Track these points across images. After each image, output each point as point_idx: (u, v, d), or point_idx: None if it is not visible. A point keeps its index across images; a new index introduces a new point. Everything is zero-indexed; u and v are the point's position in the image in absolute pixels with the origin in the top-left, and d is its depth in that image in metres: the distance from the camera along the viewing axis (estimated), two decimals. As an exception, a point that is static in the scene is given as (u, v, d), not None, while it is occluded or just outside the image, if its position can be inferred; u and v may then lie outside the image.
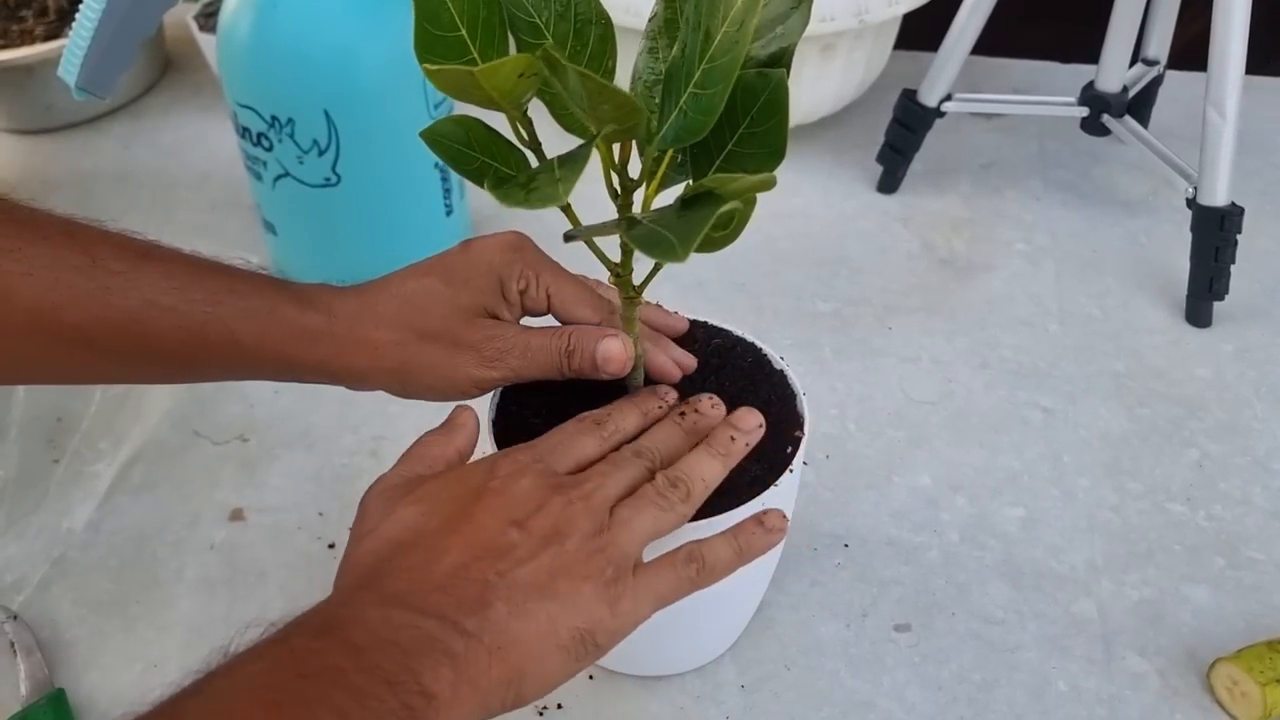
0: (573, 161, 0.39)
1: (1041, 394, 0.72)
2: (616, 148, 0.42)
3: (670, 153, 0.43)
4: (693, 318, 0.58)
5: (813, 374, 0.74)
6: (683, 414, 0.49)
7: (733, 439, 0.47)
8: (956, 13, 0.84)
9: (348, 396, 0.72)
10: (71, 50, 0.65)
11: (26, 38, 1.06)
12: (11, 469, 0.69)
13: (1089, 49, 0.87)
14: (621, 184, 0.43)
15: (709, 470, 0.46)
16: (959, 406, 0.72)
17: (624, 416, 0.48)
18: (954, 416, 0.71)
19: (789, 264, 0.84)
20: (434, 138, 0.43)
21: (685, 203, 0.40)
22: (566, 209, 0.45)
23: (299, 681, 0.35)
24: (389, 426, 0.71)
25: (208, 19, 1.03)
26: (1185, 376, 0.74)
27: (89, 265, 0.46)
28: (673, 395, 0.50)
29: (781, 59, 0.42)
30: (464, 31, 0.42)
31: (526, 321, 0.51)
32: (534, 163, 0.44)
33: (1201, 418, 0.71)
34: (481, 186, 0.42)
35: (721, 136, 0.42)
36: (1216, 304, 0.77)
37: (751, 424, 0.48)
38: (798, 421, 0.52)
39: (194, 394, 0.74)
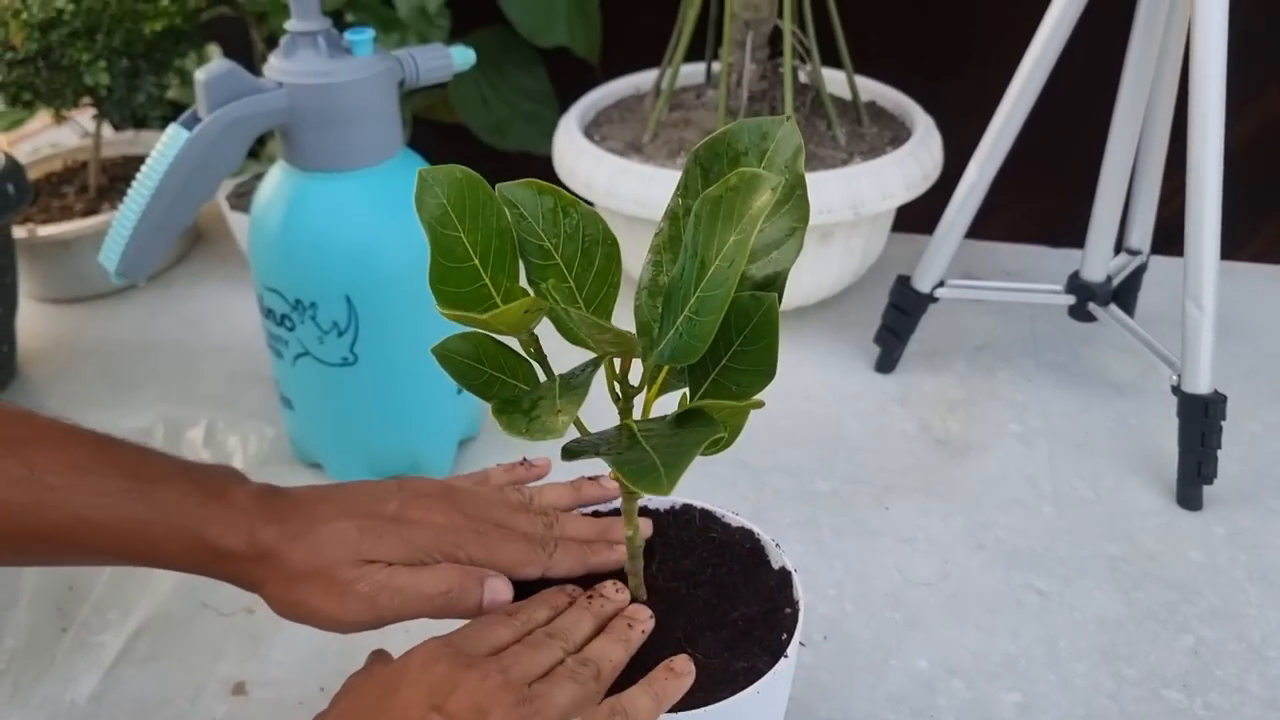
0: (574, 392, 0.42)
1: (1036, 576, 0.73)
2: (619, 361, 0.45)
3: (669, 365, 0.46)
4: (692, 504, 0.60)
5: (811, 553, 0.75)
6: (590, 599, 0.52)
7: (630, 626, 0.50)
8: (948, 199, 0.88)
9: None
10: (114, 238, 0.69)
11: (66, 213, 1.12)
12: (21, 638, 0.70)
13: (1076, 222, 0.91)
14: (623, 391, 0.46)
15: (615, 653, 0.49)
16: (955, 588, 0.73)
17: (534, 609, 0.51)
18: (950, 598, 0.72)
19: (789, 442, 0.87)
20: (444, 354, 0.46)
21: (680, 418, 0.43)
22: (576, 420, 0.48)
23: None
24: (393, 600, 0.72)
25: (239, 198, 1.09)
26: (1178, 560, 0.75)
27: (26, 478, 0.48)
28: (579, 591, 0.53)
29: (776, 281, 0.45)
30: (476, 261, 0.45)
31: None
32: (541, 376, 0.47)
33: (1195, 602, 0.71)
34: (487, 401, 0.45)
35: (717, 352, 0.44)
36: (1207, 487, 0.79)
37: (643, 616, 0.51)
38: (793, 605, 0.54)
39: (204, 564, 0.75)
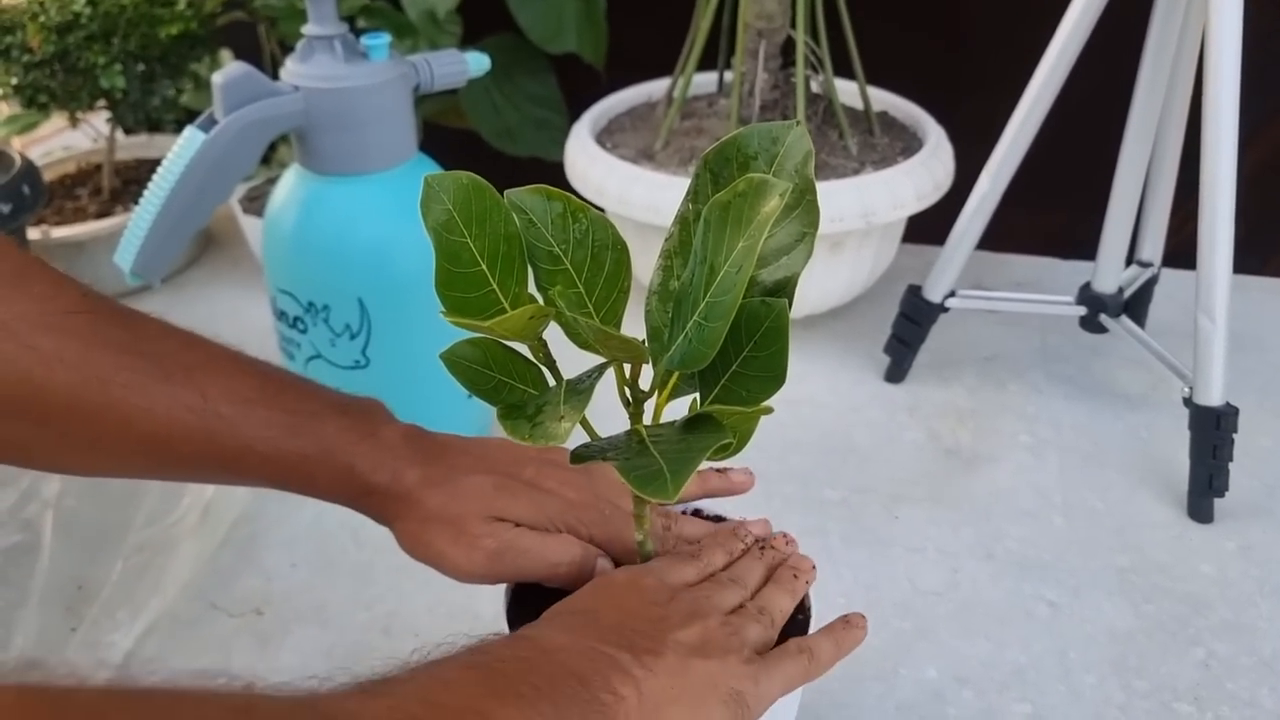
0: (578, 397, 0.42)
1: (1047, 587, 0.73)
2: (629, 366, 0.45)
3: (679, 369, 0.46)
4: (703, 509, 0.60)
5: (820, 561, 0.74)
6: (762, 549, 0.56)
7: (795, 577, 0.54)
8: (959, 211, 0.88)
9: (363, 573, 0.74)
10: (129, 238, 0.70)
11: (80, 215, 1.12)
12: (30, 637, 0.70)
13: (1088, 237, 0.91)
14: (633, 396, 0.46)
15: (784, 602, 0.53)
16: (965, 598, 0.73)
17: (712, 554, 0.54)
18: (960, 608, 0.72)
19: (798, 451, 0.87)
20: (452, 359, 0.46)
21: (689, 423, 0.43)
22: (584, 422, 0.48)
23: (499, 665, 0.41)
24: (402, 603, 0.72)
25: (251, 202, 1.10)
26: (1189, 573, 0.74)
27: (200, 406, 0.51)
28: (750, 535, 0.57)
29: (786, 287, 0.45)
30: (484, 267, 0.46)
31: None
32: (550, 380, 0.47)
33: (1206, 615, 0.71)
34: (495, 406, 0.45)
35: (727, 357, 0.44)
36: (1218, 500, 0.78)
37: (807, 566, 0.56)
38: (805, 611, 0.54)
39: (214, 566, 0.75)
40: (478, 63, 0.76)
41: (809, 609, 0.54)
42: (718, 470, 0.61)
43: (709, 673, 0.45)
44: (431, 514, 0.53)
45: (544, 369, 0.47)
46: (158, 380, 0.50)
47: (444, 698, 0.39)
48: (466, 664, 0.42)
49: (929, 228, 1.01)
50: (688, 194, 0.47)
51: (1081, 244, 1.01)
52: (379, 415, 0.56)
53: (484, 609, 0.71)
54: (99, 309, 0.51)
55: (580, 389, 0.44)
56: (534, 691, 0.40)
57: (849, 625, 0.52)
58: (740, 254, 0.39)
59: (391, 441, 0.54)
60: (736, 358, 0.45)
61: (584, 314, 0.46)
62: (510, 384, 0.47)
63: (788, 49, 0.98)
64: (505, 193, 0.47)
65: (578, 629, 0.46)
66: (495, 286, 0.46)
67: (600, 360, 0.46)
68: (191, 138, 0.69)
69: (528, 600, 0.54)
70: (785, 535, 0.57)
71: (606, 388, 0.47)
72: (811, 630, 0.53)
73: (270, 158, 1.15)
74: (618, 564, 0.54)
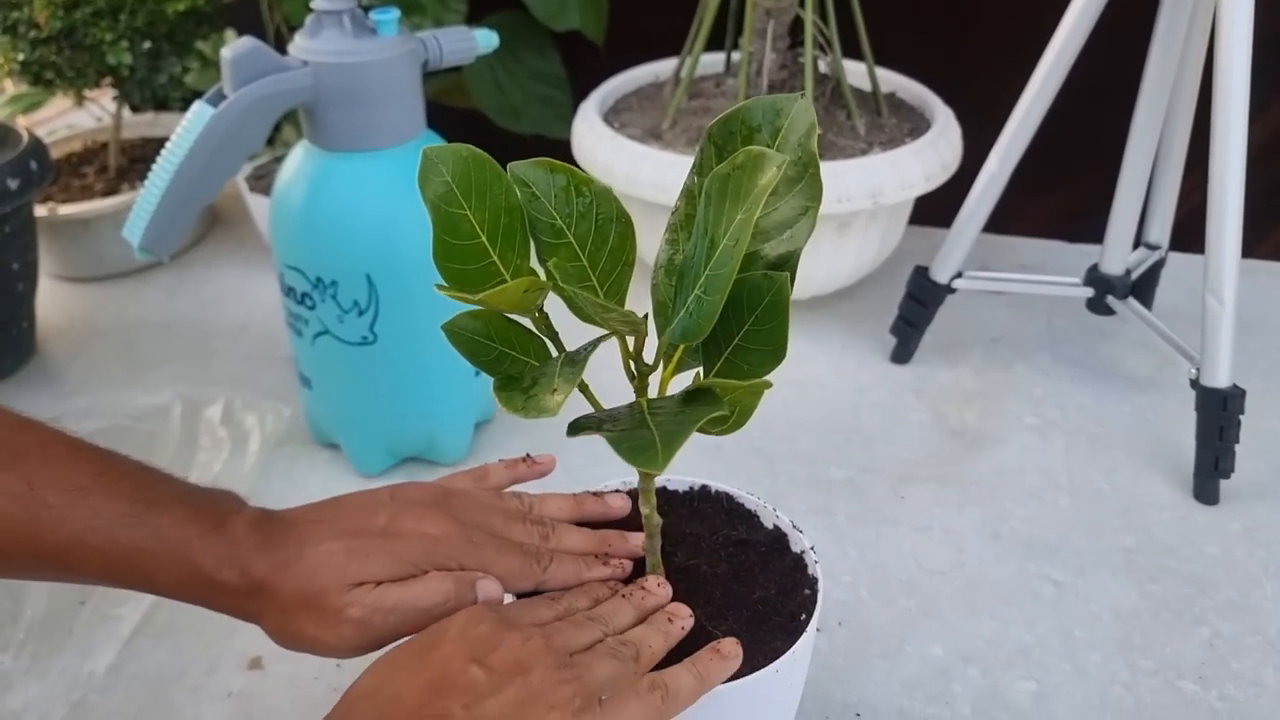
0: (572, 369, 0.42)
1: (1052, 567, 0.73)
2: (632, 340, 0.45)
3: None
4: (710, 485, 0.60)
5: (826, 541, 0.76)
6: (631, 592, 0.52)
7: (670, 620, 0.50)
8: (967, 195, 0.88)
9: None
10: (137, 213, 0.70)
11: (86, 192, 1.12)
12: (39, 610, 0.70)
13: (1095, 220, 0.91)
14: (637, 369, 0.46)
15: (655, 642, 0.48)
16: (970, 577, 0.73)
17: (575, 597, 0.52)
18: (965, 587, 0.72)
19: (804, 431, 0.87)
20: (454, 330, 0.45)
21: (688, 396, 0.43)
22: (584, 389, 0.48)
23: None
24: (409, 579, 0.72)
25: (258, 180, 1.10)
26: (1195, 553, 0.75)
27: (26, 494, 0.48)
28: (613, 587, 0.53)
29: (789, 261, 0.45)
30: (484, 239, 0.45)
31: None
32: (553, 351, 0.47)
33: (1212, 595, 0.71)
34: (496, 377, 0.45)
35: (729, 331, 0.44)
36: (1224, 482, 0.79)
37: (684, 614, 0.51)
38: (811, 586, 0.54)
39: (221, 540, 0.75)
40: (486, 39, 0.76)
41: (815, 583, 0.54)
42: (594, 495, 0.58)
43: None
44: (290, 601, 0.49)
45: (546, 340, 0.47)
46: None
47: None
48: None
49: (935, 210, 1.01)
50: (693, 166, 0.47)
51: (1088, 228, 1.01)
52: (226, 505, 0.53)
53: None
54: None
55: (576, 360, 0.44)
56: None
57: (719, 655, 0.48)
58: (737, 227, 0.39)
59: (238, 533, 0.51)
60: (739, 331, 0.45)
61: (583, 286, 0.46)
62: (512, 355, 0.47)
63: (796, 29, 0.98)
64: (508, 165, 0.47)
65: None
66: (496, 259, 0.46)
67: (601, 333, 0.46)
68: (200, 112, 0.69)
69: None
70: (658, 579, 0.53)
71: (614, 364, 0.47)
72: (813, 623, 0.52)
73: (275, 138, 1.14)
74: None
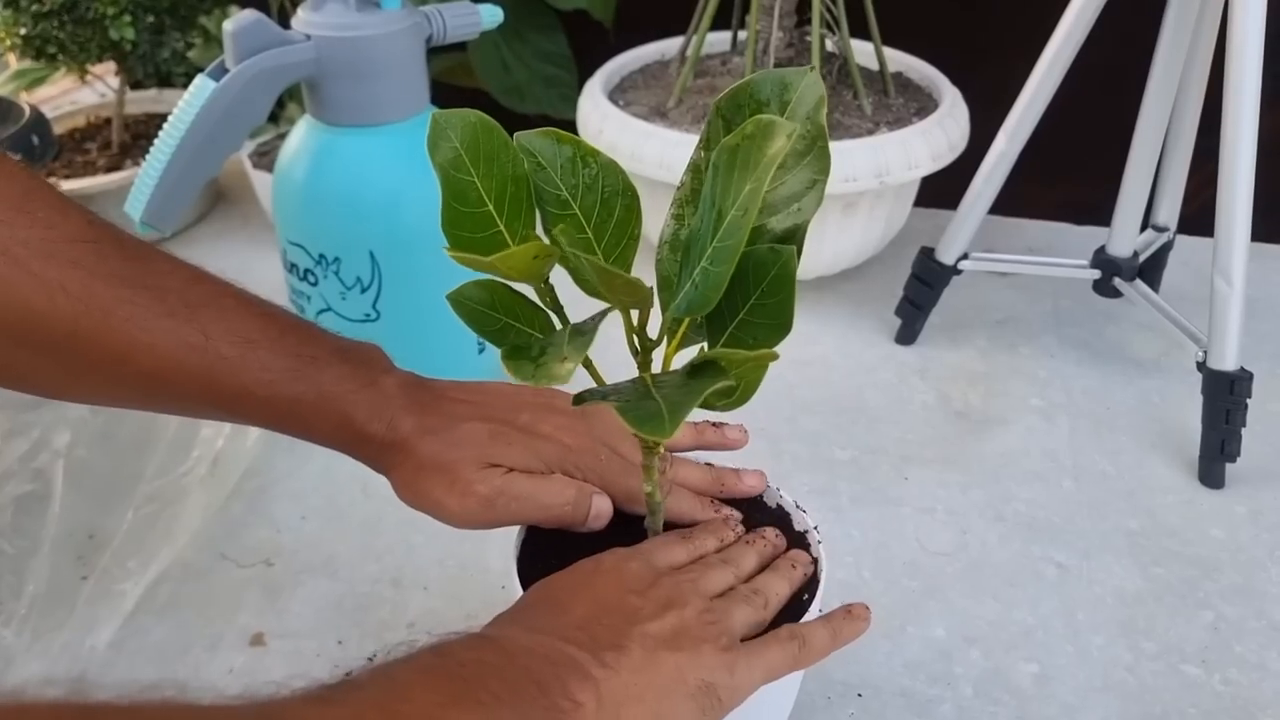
0: (581, 338, 0.42)
1: (1056, 549, 0.73)
2: (636, 312, 0.45)
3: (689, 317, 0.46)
4: (713, 464, 0.60)
5: (829, 521, 0.75)
6: (752, 540, 0.55)
7: (793, 567, 0.53)
8: (974, 175, 0.88)
9: (372, 525, 0.75)
10: (139, 187, 0.69)
11: (89, 168, 1.12)
12: (41, 584, 0.70)
13: (1102, 209, 0.91)
14: (641, 344, 0.45)
15: (781, 588, 0.51)
16: (973, 558, 0.73)
17: (704, 539, 0.54)
18: (968, 568, 0.72)
19: (808, 411, 0.86)
20: (459, 300, 0.46)
21: (693, 369, 0.43)
22: (588, 364, 0.48)
23: (458, 670, 0.41)
24: (411, 557, 0.72)
25: (262, 156, 1.09)
26: (1199, 537, 0.74)
27: (202, 345, 0.51)
28: (739, 524, 0.56)
29: (796, 234, 0.45)
30: (491, 207, 0.45)
31: None
32: (557, 324, 0.46)
33: (1216, 579, 0.71)
34: (500, 348, 0.45)
35: (734, 304, 0.44)
36: (1229, 466, 0.78)
37: (805, 559, 0.54)
38: (814, 567, 0.54)
39: (223, 516, 0.75)
40: (490, 15, 0.75)
41: (818, 563, 0.54)
42: (714, 425, 0.60)
43: (677, 665, 0.44)
44: (426, 462, 0.53)
45: (551, 314, 0.47)
46: (160, 316, 0.50)
47: (401, 705, 0.39)
48: (425, 668, 0.41)
49: (942, 191, 1.00)
50: (700, 141, 0.47)
51: (1094, 213, 1.01)
52: (379, 363, 0.56)
53: (493, 562, 0.71)
54: (104, 238, 0.51)
55: (584, 331, 0.44)
56: (493, 699, 0.40)
57: (850, 615, 0.51)
58: (746, 196, 0.39)
59: (389, 390, 0.54)
60: (744, 305, 0.44)
61: (583, 241, 0.46)
62: (516, 327, 0.47)
63: (803, 7, 0.97)
64: (515, 135, 0.46)
65: (542, 626, 0.45)
66: (502, 228, 0.46)
67: (605, 307, 0.45)
68: (202, 85, 0.68)
69: (536, 553, 0.54)
70: (775, 530, 0.56)
71: (618, 340, 0.46)
72: (817, 601, 0.52)
73: (279, 114, 1.14)
74: (615, 508, 0.54)
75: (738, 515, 0.56)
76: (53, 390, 0.53)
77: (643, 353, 0.46)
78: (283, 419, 0.54)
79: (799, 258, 0.44)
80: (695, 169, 0.47)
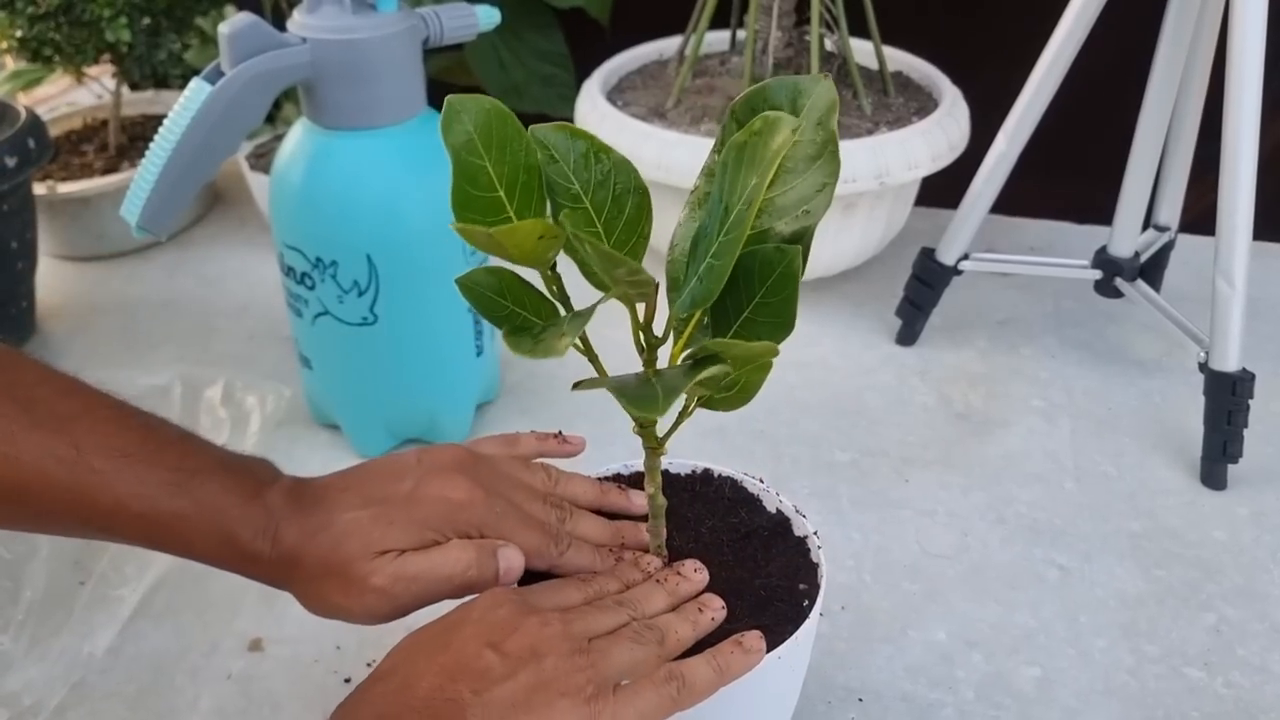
0: (578, 318, 0.42)
1: (1057, 551, 0.73)
2: (642, 309, 0.45)
3: (698, 314, 0.46)
4: (713, 468, 0.60)
5: (830, 524, 0.75)
6: (666, 577, 0.51)
7: (700, 611, 0.49)
8: (974, 175, 0.87)
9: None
10: (135, 192, 0.69)
11: (86, 170, 1.11)
12: (39, 590, 0.70)
13: (1103, 209, 0.91)
14: (646, 341, 0.45)
15: (682, 630, 0.48)
16: (975, 561, 0.72)
17: (607, 580, 0.51)
18: (970, 571, 0.71)
19: (808, 413, 0.86)
20: (468, 284, 0.45)
21: (696, 363, 0.42)
22: (593, 358, 0.48)
23: None
24: (410, 561, 0.72)
25: (259, 159, 1.09)
26: (1201, 538, 0.74)
27: (73, 460, 0.48)
28: (657, 564, 0.53)
29: (803, 237, 0.45)
30: (501, 192, 0.45)
31: None
32: (562, 313, 0.46)
33: (1218, 581, 0.71)
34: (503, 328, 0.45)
35: (739, 302, 0.44)
36: (1231, 467, 0.78)
37: (716, 605, 0.50)
38: (815, 571, 0.53)
39: (221, 522, 0.75)
40: (487, 16, 0.74)
41: (819, 568, 0.53)
42: (618, 488, 0.58)
43: None
44: (316, 570, 0.50)
45: (557, 304, 0.47)
46: (26, 428, 0.48)
47: None
48: None
49: (942, 192, 1.00)
50: (715, 145, 0.47)
51: (1095, 213, 1.00)
52: (264, 475, 0.54)
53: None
54: None
55: (582, 313, 0.44)
56: None
57: (741, 648, 0.47)
58: (751, 189, 0.39)
59: (272, 503, 0.52)
60: (748, 303, 0.44)
61: (592, 235, 0.46)
62: (522, 314, 0.47)
63: (802, 6, 0.97)
64: (530, 128, 0.47)
65: (384, 710, 0.43)
66: (512, 213, 0.46)
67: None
68: (198, 89, 0.68)
69: None
70: (695, 563, 0.52)
71: (625, 345, 0.46)
72: (816, 607, 0.51)
73: (275, 116, 1.13)
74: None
75: (654, 560, 0.53)
76: None
77: (648, 350, 0.46)
78: (162, 536, 0.51)
79: (806, 258, 0.44)
80: (709, 173, 0.47)
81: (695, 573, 0.52)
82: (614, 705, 0.43)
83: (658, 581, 0.51)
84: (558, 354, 0.42)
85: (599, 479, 0.58)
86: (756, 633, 0.48)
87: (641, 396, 0.41)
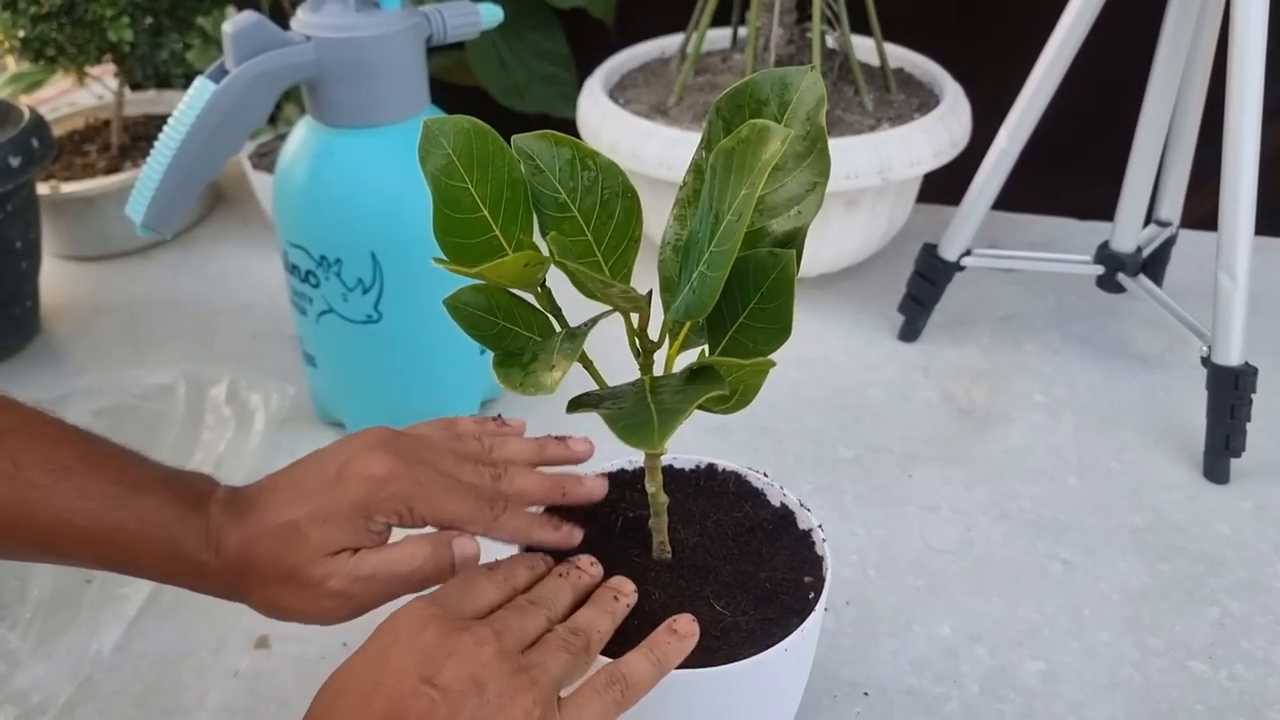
0: (571, 344, 0.41)
1: (1061, 546, 0.73)
2: (636, 316, 0.45)
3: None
4: (718, 463, 0.60)
5: (834, 519, 0.75)
6: (565, 573, 0.51)
7: (615, 599, 0.49)
8: (976, 172, 0.87)
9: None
10: (140, 191, 0.69)
11: (89, 170, 1.11)
12: (45, 588, 0.70)
13: (1105, 205, 0.91)
14: (642, 346, 0.45)
15: (601, 623, 0.48)
16: (979, 556, 0.72)
17: (514, 569, 0.50)
18: (974, 566, 0.72)
19: (811, 409, 0.86)
20: (456, 305, 0.45)
21: (692, 374, 0.42)
22: (589, 366, 0.48)
23: None
24: (415, 558, 0.72)
25: (261, 158, 1.09)
26: (1204, 532, 0.74)
27: (11, 473, 0.47)
28: (547, 560, 0.52)
29: (796, 237, 0.45)
30: (485, 212, 0.45)
31: None
32: (556, 327, 0.46)
33: (1222, 575, 0.71)
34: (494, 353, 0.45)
35: (734, 308, 0.44)
36: (1234, 461, 0.78)
37: (628, 589, 0.50)
38: (820, 565, 0.53)
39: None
40: (490, 14, 0.75)
41: (823, 562, 0.53)
42: (556, 438, 0.58)
43: None
44: (268, 576, 0.50)
45: (550, 316, 0.47)
46: None
47: None
48: None
49: (944, 188, 1.00)
50: (701, 142, 0.46)
51: (1097, 209, 1.00)
52: (202, 487, 0.53)
53: (499, 549, 0.70)
54: None
55: (575, 336, 0.44)
56: None
57: (674, 633, 0.47)
58: (741, 202, 0.39)
59: (213, 514, 0.51)
60: (744, 309, 0.44)
61: (585, 262, 0.46)
62: (514, 330, 0.47)
63: (803, 3, 0.97)
64: (512, 138, 0.46)
65: None
66: (498, 232, 0.45)
67: (604, 309, 0.45)
68: (202, 88, 0.68)
69: None
70: (589, 558, 0.52)
71: (622, 341, 0.46)
72: (822, 601, 0.51)
73: (276, 116, 1.14)
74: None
75: (575, 538, 0.53)
76: None
77: (644, 355, 0.46)
78: (104, 551, 0.49)
79: (799, 261, 0.44)
80: (697, 169, 0.47)
81: (591, 566, 0.52)
82: (562, 718, 0.43)
83: (560, 576, 0.51)
84: (547, 390, 0.41)
85: (602, 474, 0.58)
86: (688, 615, 0.48)
87: (636, 426, 0.40)
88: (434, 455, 0.53)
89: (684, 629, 0.47)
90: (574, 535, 0.54)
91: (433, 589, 0.48)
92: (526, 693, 0.42)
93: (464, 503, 0.51)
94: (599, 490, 0.56)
